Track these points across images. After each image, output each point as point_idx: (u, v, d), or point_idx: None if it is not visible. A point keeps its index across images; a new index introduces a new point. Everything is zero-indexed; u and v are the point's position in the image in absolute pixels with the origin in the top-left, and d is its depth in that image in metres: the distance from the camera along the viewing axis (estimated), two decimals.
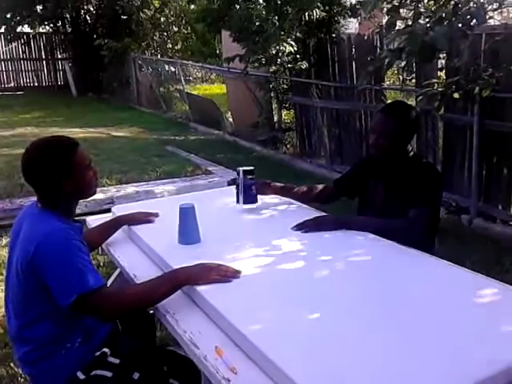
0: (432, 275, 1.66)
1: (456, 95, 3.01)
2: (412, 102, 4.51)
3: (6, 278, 1.72)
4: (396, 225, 2.01)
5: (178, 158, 6.37)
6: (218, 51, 13.47)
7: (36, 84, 15.51)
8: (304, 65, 5.57)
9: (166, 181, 5.08)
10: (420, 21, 2.55)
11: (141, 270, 1.84)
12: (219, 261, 1.70)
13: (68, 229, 1.57)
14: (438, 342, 1.24)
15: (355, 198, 2.43)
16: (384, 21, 2.63)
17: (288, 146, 7.24)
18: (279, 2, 5.26)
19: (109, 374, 1.64)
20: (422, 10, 2.61)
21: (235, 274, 1.62)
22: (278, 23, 5.12)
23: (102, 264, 3.59)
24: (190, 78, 16.43)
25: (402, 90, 5.02)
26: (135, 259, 1.98)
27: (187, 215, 1.94)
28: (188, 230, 1.95)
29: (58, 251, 1.49)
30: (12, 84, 15.31)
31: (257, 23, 5.16)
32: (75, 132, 8.17)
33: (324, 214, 2.27)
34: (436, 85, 3.36)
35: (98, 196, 4.58)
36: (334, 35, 5.88)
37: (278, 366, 1.17)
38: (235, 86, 8.03)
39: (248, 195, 2.28)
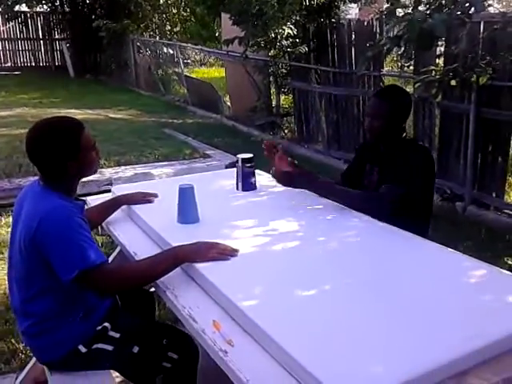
0: (423, 256, 1.71)
1: (453, 83, 3.04)
2: (410, 89, 4.54)
3: (9, 255, 1.77)
4: (360, 197, 2.12)
5: (175, 141, 6.40)
6: (217, 34, 13.37)
7: (33, 64, 15.38)
8: (303, 49, 5.57)
9: (163, 163, 5.12)
10: (420, 8, 2.57)
11: (141, 248, 1.88)
12: (217, 239, 1.74)
13: (70, 206, 1.61)
14: (426, 319, 1.30)
15: None
16: (384, 7, 2.65)
17: (286, 131, 7.27)
18: None
19: (110, 347, 1.70)
20: None
21: (232, 252, 1.67)
22: (277, 6, 5.11)
23: (100, 244, 3.63)
24: (189, 61, 16.35)
25: (400, 77, 5.03)
26: (135, 237, 2.02)
27: (186, 195, 1.98)
28: (187, 209, 1.99)
29: (60, 228, 1.53)
30: (9, 64, 15.19)
31: (256, 6, 5.15)
32: (73, 113, 8.15)
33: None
34: (434, 72, 3.39)
35: (97, 177, 4.61)
36: (333, 20, 5.88)
37: (273, 338, 1.22)
38: (234, 70, 8.02)
39: (246, 182, 2.34)
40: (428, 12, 2.41)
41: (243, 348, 1.27)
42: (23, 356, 2.51)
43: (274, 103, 7.33)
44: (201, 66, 16.22)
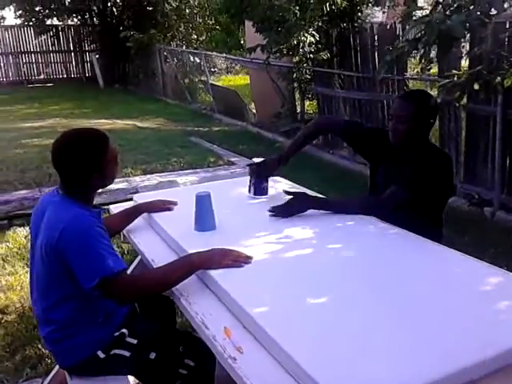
0: (437, 263, 1.68)
1: (476, 86, 2.99)
2: (435, 92, 4.48)
3: (30, 263, 1.82)
4: (360, 203, 2.12)
5: (200, 149, 6.46)
6: (242, 42, 13.47)
7: (65, 76, 15.82)
8: (325, 55, 5.56)
9: (188, 171, 5.17)
10: (439, 9, 2.54)
11: (159, 255, 1.91)
12: (233, 247, 1.76)
13: (90, 215, 1.65)
14: (436, 327, 1.28)
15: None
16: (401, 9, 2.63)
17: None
18: None
19: (127, 353, 1.73)
20: None
21: (247, 259, 1.68)
22: (299, 13, 5.12)
23: (126, 252, 3.70)
24: (215, 69, 16.52)
25: (424, 80, 4.97)
26: (154, 245, 2.05)
27: (203, 203, 2.00)
28: (204, 217, 2.01)
29: (81, 237, 1.57)
30: (42, 76, 15.66)
31: (279, 13, 5.18)
32: (102, 123, 8.34)
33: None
34: (456, 75, 3.34)
35: (124, 185, 4.70)
36: (356, 25, 5.85)
37: (282, 346, 1.23)
38: (258, 77, 8.06)
39: (258, 187, 2.36)
40: (447, 13, 2.38)
41: (252, 355, 1.28)
42: (49, 361, 2.57)
43: (298, 109, 7.33)
44: (227, 73, 16.35)
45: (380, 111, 5.71)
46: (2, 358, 2.65)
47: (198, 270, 1.67)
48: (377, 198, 2.14)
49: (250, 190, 2.40)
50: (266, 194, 2.39)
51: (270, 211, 2.11)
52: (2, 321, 2.95)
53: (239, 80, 14.38)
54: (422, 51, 2.29)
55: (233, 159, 5.77)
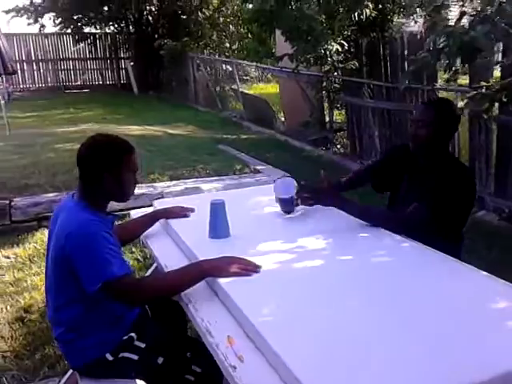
0: (452, 279, 1.64)
1: (503, 97, 2.92)
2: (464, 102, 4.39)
3: (45, 266, 1.87)
4: (384, 217, 2.09)
5: (227, 156, 6.50)
6: (273, 51, 13.54)
7: (100, 82, 16.18)
8: (354, 64, 5.53)
9: (213, 178, 5.21)
10: (464, 20, 2.50)
11: (171, 261, 1.93)
12: (244, 255, 1.76)
13: (97, 221, 1.68)
14: (445, 345, 1.25)
15: (383, 193, 2.42)
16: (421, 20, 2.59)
17: (338, 146, 7.21)
18: (330, 2, 5.26)
19: (135, 357, 1.75)
20: (468, 9, 2.55)
21: (255, 268, 1.68)
22: (326, 23, 5.12)
23: (148, 256, 3.74)
24: (248, 78, 16.64)
25: (454, 91, 4.88)
26: (168, 250, 2.08)
27: (217, 211, 2.01)
28: (217, 224, 2.02)
29: (86, 242, 1.61)
30: (78, 82, 16.07)
31: (307, 23, 5.18)
32: (133, 129, 8.48)
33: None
34: (486, 86, 3.27)
35: (149, 191, 4.77)
36: (386, 34, 5.80)
37: (283, 359, 1.21)
38: (288, 86, 8.07)
39: (284, 204, 2.26)
40: (472, 23, 2.34)
41: (253, 365, 1.28)
42: (67, 362, 2.62)
43: (327, 118, 7.30)
44: (259, 82, 16.45)
45: (409, 122, 5.62)
46: (22, 356, 2.71)
47: (207, 276, 1.68)
48: (399, 215, 2.08)
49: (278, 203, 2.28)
50: (292, 211, 2.27)
51: (296, 193, 2.17)
52: (25, 320, 3.02)
53: (271, 88, 14.41)
54: (446, 62, 2.26)
55: (259, 167, 5.78)
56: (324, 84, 6.79)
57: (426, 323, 1.37)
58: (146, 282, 1.70)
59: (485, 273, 1.67)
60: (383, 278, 1.65)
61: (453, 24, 2.34)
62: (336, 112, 7.30)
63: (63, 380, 2.43)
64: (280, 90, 9.09)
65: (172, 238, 2.20)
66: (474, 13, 2.45)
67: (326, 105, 7.27)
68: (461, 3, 2.67)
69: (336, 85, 6.76)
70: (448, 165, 2.12)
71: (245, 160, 6.25)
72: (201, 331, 1.48)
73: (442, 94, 5.55)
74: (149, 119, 9.67)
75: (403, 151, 2.23)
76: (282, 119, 8.87)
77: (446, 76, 3.80)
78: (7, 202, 4.42)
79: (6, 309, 3.15)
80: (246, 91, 11.07)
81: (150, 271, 2.60)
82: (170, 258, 1.98)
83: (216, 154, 6.59)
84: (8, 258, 3.85)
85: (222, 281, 1.63)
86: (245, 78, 16.42)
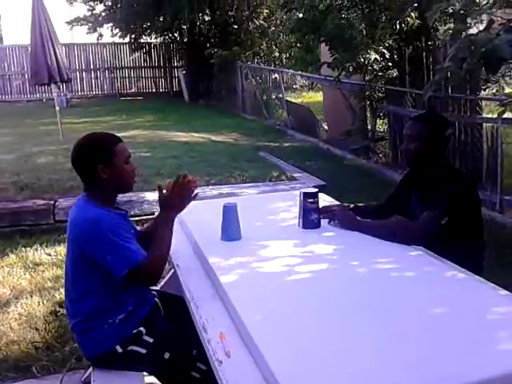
0: (455, 289, 1.63)
1: None
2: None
3: (65, 265, 1.98)
4: (405, 228, 2.06)
5: (266, 164, 6.56)
6: (320, 59, 13.55)
7: (154, 90, 16.73)
8: (394, 73, 5.47)
9: (249, 184, 5.29)
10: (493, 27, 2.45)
11: (184, 260, 2.01)
12: (253, 257, 1.86)
13: (106, 213, 1.79)
14: (447, 362, 1.23)
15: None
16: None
17: (380, 155, 7.12)
18: (370, 11, 5.24)
19: (143, 350, 1.83)
20: (497, 17, 2.50)
21: (193, 183, 1.93)
22: (367, 32, 5.10)
23: None
24: (297, 86, 16.70)
25: (497, 100, 4.73)
26: (182, 249, 2.13)
27: (229, 213, 2.07)
28: (229, 227, 2.08)
29: (100, 235, 1.72)
30: (133, 90, 16.68)
31: (348, 32, 5.19)
32: (179, 136, 8.72)
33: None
34: None
35: None
36: (429, 43, 5.71)
37: (264, 356, 1.25)
38: (331, 94, 8.07)
39: (307, 220, 2.17)
40: (498, 32, 2.29)
41: (238, 361, 1.32)
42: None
43: (369, 127, 7.24)
44: (309, 90, 16.47)
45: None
46: (53, 348, 2.86)
47: (173, 220, 1.89)
48: (410, 224, 2.09)
49: (299, 223, 2.20)
50: (317, 227, 2.19)
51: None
52: (59, 314, 3.18)
53: (319, 97, 14.39)
54: (469, 71, 2.22)
55: (295, 175, 5.81)
56: (367, 93, 6.75)
57: (427, 336, 1.35)
58: (155, 258, 1.80)
59: (492, 285, 1.64)
60: (388, 286, 1.65)
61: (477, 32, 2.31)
62: (379, 121, 7.22)
63: (87, 373, 2.55)
64: (323, 99, 9.10)
65: (187, 237, 2.27)
66: (504, 21, 2.40)
67: (368, 114, 7.22)
68: (492, 11, 2.62)
69: (379, 94, 6.70)
70: (445, 174, 2.13)
71: (283, 167, 6.29)
72: (198, 327, 1.54)
73: (486, 103, 5.41)
74: (196, 126, 9.90)
75: (408, 173, 2.31)
76: (325, 127, 8.85)
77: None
78: (52, 202, 4.68)
79: (43, 303, 3.33)
80: (292, 100, 11.11)
81: (166, 278, 2.65)
82: (182, 257, 2.04)
83: (255, 161, 6.67)
84: (49, 255, 4.07)
85: (223, 280, 1.69)
86: (294, 86, 16.52)
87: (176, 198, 1.89)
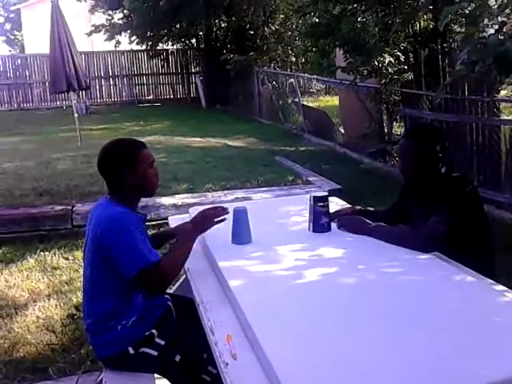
0: (462, 294, 1.61)
1: None
2: None
3: (83, 265, 2.02)
4: (410, 234, 2.04)
5: (281, 168, 6.57)
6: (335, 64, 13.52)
7: (171, 96, 16.87)
8: (409, 76, 5.44)
9: (264, 189, 5.30)
10: (505, 30, 2.43)
11: (194, 263, 2.01)
12: (263, 261, 1.88)
13: (128, 213, 1.83)
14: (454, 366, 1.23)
15: None
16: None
17: (397, 158, 7.06)
18: (384, 14, 5.22)
19: (154, 352, 1.86)
20: (508, 20, 2.48)
21: (223, 210, 2.03)
22: (379, 35, 5.08)
23: None
24: (313, 90, 16.68)
25: None
26: (193, 252, 2.14)
27: (239, 217, 2.08)
28: (240, 230, 2.09)
29: (121, 229, 1.77)
30: (151, 96, 16.86)
31: (361, 36, 5.18)
32: (195, 141, 8.79)
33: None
34: None
35: (200, 200, 4.94)
36: (445, 45, 5.67)
37: (270, 360, 1.25)
38: (347, 98, 8.05)
39: (317, 223, 2.17)
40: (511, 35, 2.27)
41: (244, 363, 1.33)
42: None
43: (385, 130, 7.20)
44: (325, 94, 16.45)
45: (468, 134, 5.44)
46: (70, 350, 2.91)
47: (196, 237, 1.98)
48: (414, 231, 2.06)
49: (309, 227, 2.20)
50: (327, 230, 2.18)
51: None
52: (75, 317, 3.24)
53: (336, 101, 14.35)
54: (480, 74, 2.20)
55: (311, 178, 5.80)
56: (383, 96, 6.72)
57: (433, 340, 1.34)
58: (165, 268, 1.82)
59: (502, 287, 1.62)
60: (394, 290, 1.64)
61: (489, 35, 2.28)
62: (395, 124, 7.18)
63: (102, 374, 2.58)
64: (339, 102, 9.07)
65: (198, 239, 2.28)
66: None
67: (384, 117, 7.18)
68: (503, 14, 2.59)
69: (395, 97, 6.66)
70: (446, 181, 2.11)
71: (299, 171, 6.30)
72: (206, 329, 1.56)
73: (504, 106, 5.34)
74: (212, 132, 9.97)
75: (405, 184, 2.30)
76: (342, 131, 8.83)
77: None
78: (70, 207, 4.76)
79: (60, 306, 3.39)
80: (309, 104, 11.10)
81: (177, 284, 2.68)
82: (193, 260, 2.06)
83: (271, 166, 6.68)
84: (67, 259, 4.14)
85: (232, 284, 1.70)
86: (311, 90, 16.51)
87: (205, 221, 2.00)
